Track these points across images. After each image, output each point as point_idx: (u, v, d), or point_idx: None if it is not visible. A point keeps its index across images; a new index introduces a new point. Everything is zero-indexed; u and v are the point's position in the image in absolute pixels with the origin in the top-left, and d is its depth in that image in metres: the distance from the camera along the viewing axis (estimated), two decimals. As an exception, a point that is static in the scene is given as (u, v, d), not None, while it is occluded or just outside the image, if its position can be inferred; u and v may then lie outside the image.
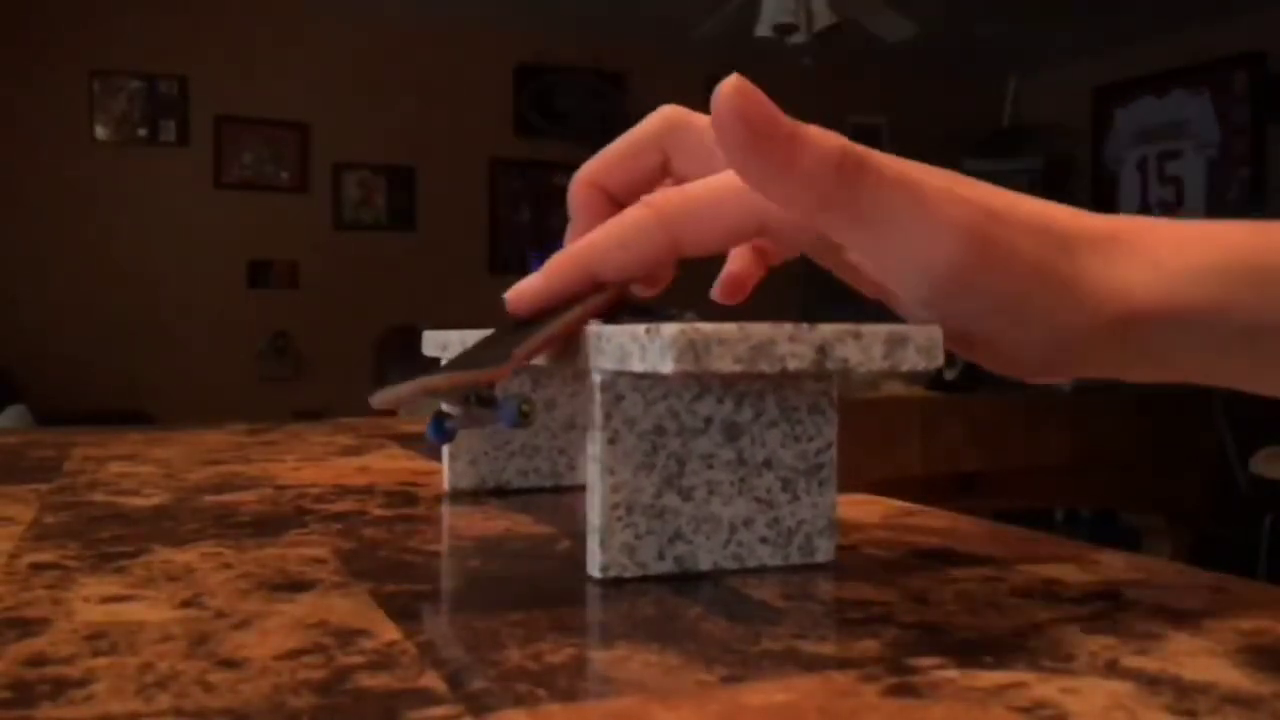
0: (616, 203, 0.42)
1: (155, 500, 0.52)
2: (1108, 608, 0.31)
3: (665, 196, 0.37)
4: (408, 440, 0.82)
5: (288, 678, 0.25)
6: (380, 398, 0.33)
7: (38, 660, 0.26)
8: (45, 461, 0.69)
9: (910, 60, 5.41)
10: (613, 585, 0.34)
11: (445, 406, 0.35)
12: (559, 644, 0.27)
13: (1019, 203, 0.35)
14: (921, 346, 0.33)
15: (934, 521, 0.46)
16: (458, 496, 0.52)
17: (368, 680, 0.24)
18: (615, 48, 5.42)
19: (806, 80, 5.35)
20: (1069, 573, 0.36)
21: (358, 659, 0.26)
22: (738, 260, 0.44)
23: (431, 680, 0.24)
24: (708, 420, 0.36)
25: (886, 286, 0.37)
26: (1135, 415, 3.00)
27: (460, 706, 0.23)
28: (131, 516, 0.47)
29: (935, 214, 0.33)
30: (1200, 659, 0.26)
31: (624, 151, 0.42)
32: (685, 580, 0.35)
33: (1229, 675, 0.25)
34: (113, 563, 0.37)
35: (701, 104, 0.36)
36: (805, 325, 0.32)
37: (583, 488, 0.53)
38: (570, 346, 0.36)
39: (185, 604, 0.32)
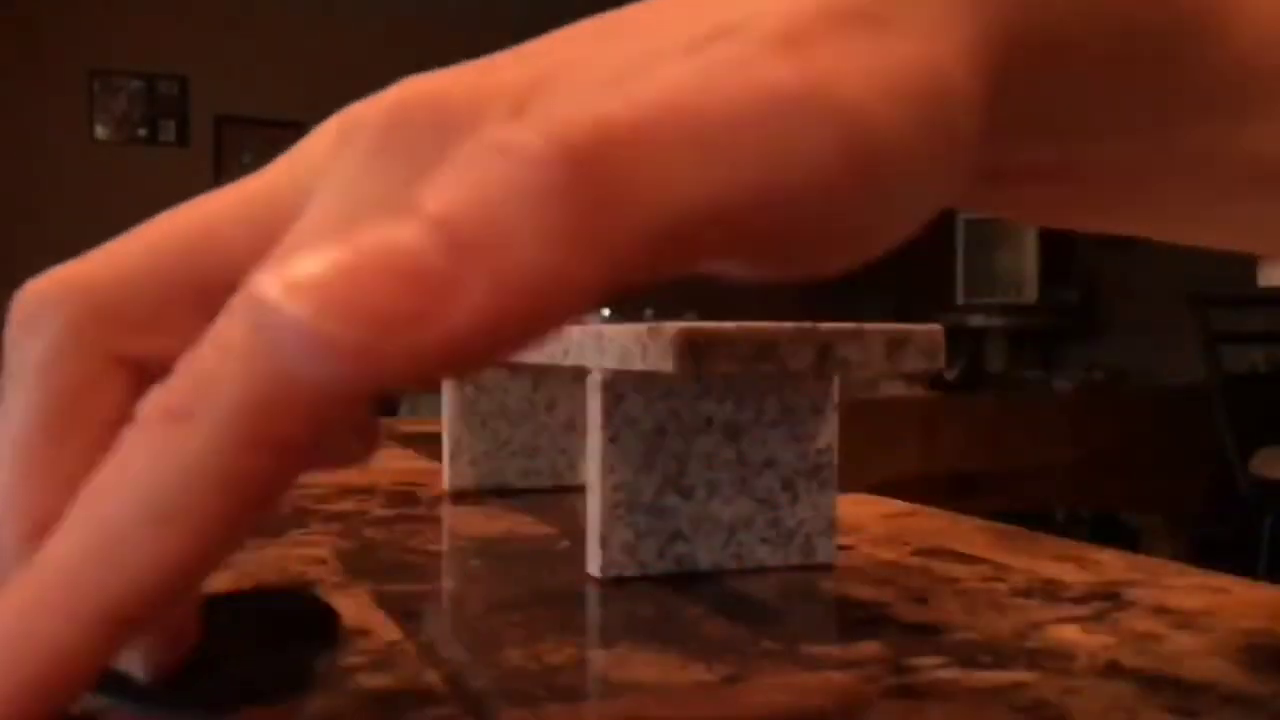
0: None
1: (155, 500, 0.52)
2: (1108, 608, 0.31)
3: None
4: (408, 440, 0.82)
5: (288, 678, 0.25)
6: None
7: (38, 660, 0.26)
8: (45, 461, 0.68)
9: (910, 60, 5.40)
10: (613, 585, 0.34)
11: None
12: (559, 644, 0.27)
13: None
14: (922, 346, 0.33)
15: (934, 521, 0.46)
16: (458, 496, 0.52)
17: (368, 680, 0.24)
18: (615, 48, 5.41)
19: (806, 80, 5.33)
20: (1069, 573, 0.36)
21: (358, 659, 0.26)
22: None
23: (431, 680, 0.24)
24: (708, 420, 0.35)
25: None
26: (1135, 415, 3.00)
27: (460, 706, 0.23)
28: (131, 516, 0.47)
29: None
30: (1200, 659, 0.26)
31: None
32: (685, 580, 0.35)
33: (1229, 675, 0.25)
34: (113, 563, 0.37)
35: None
36: (806, 325, 0.32)
37: (583, 488, 0.53)
38: None
39: (185, 604, 0.31)
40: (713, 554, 0.36)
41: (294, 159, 0.21)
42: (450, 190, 0.14)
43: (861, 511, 0.49)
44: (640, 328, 0.32)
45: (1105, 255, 5.65)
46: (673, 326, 0.30)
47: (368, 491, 0.55)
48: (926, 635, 0.28)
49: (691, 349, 0.30)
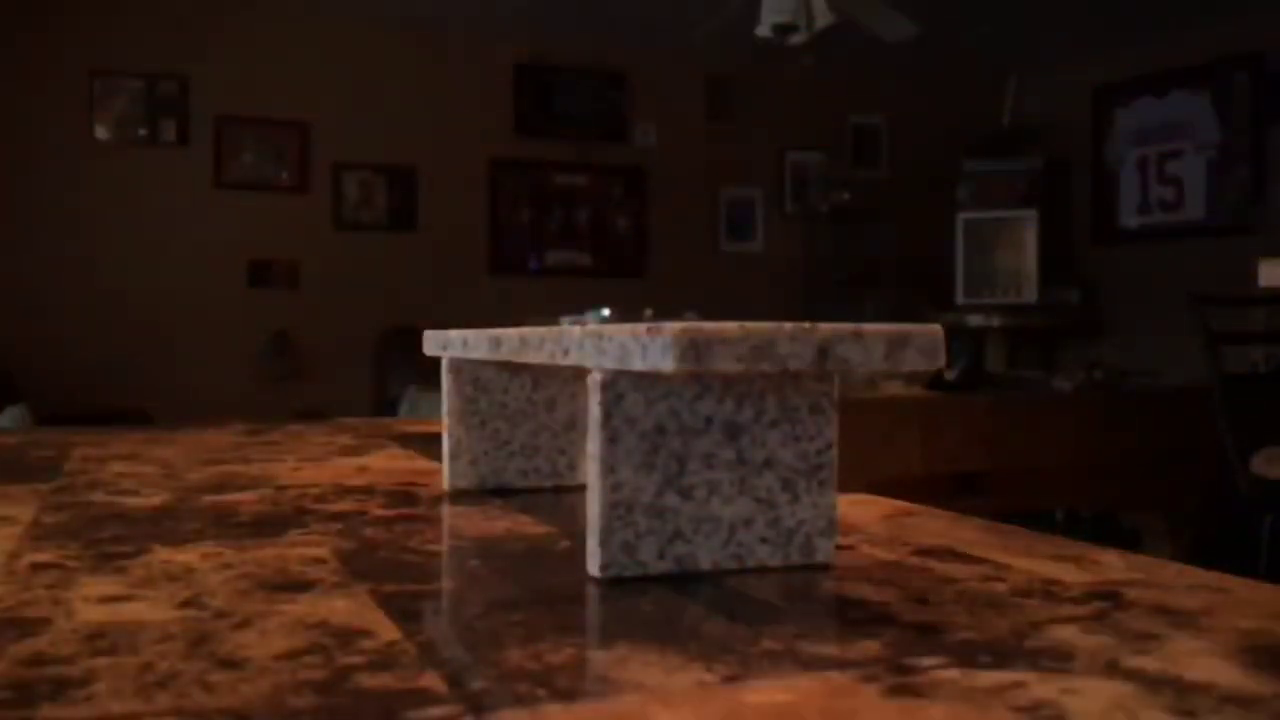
0: None
1: (155, 500, 0.52)
2: (1108, 608, 0.31)
3: None
4: (408, 440, 0.82)
5: (288, 678, 0.25)
6: None
7: (38, 660, 0.26)
8: (45, 461, 0.68)
9: (910, 60, 5.41)
10: (613, 585, 0.34)
11: None
12: (559, 644, 0.27)
13: None
14: (922, 346, 0.33)
15: (934, 522, 0.46)
16: (458, 496, 0.52)
17: (368, 680, 0.24)
18: (615, 48, 5.42)
19: (806, 80, 5.35)
20: (1069, 573, 0.36)
21: (358, 659, 0.26)
22: None
23: (431, 680, 0.24)
24: (708, 420, 0.35)
25: None
26: (1135, 415, 3.00)
27: (460, 706, 0.23)
28: (131, 516, 0.47)
29: None
30: (1200, 659, 0.26)
31: None
32: (685, 580, 0.35)
33: (1229, 675, 0.25)
34: (113, 563, 0.37)
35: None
36: (806, 325, 0.32)
37: (583, 488, 0.53)
38: None
39: (185, 604, 0.31)
40: (713, 554, 0.36)
41: None
42: None
43: (861, 511, 0.49)
44: (640, 328, 0.32)
45: (1105, 255, 5.65)
46: (673, 326, 0.30)
47: (368, 491, 0.55)
48: (926, 635, 0.28)
49: (691, 349, 0.30)
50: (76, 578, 0.35)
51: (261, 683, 0.24)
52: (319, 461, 0.68)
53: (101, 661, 0.26)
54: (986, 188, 5.51)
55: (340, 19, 5.08)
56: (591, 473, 0.35)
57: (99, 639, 0.28)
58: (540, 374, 0.51)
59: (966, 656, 0.26)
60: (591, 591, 0.34)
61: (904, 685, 0.24)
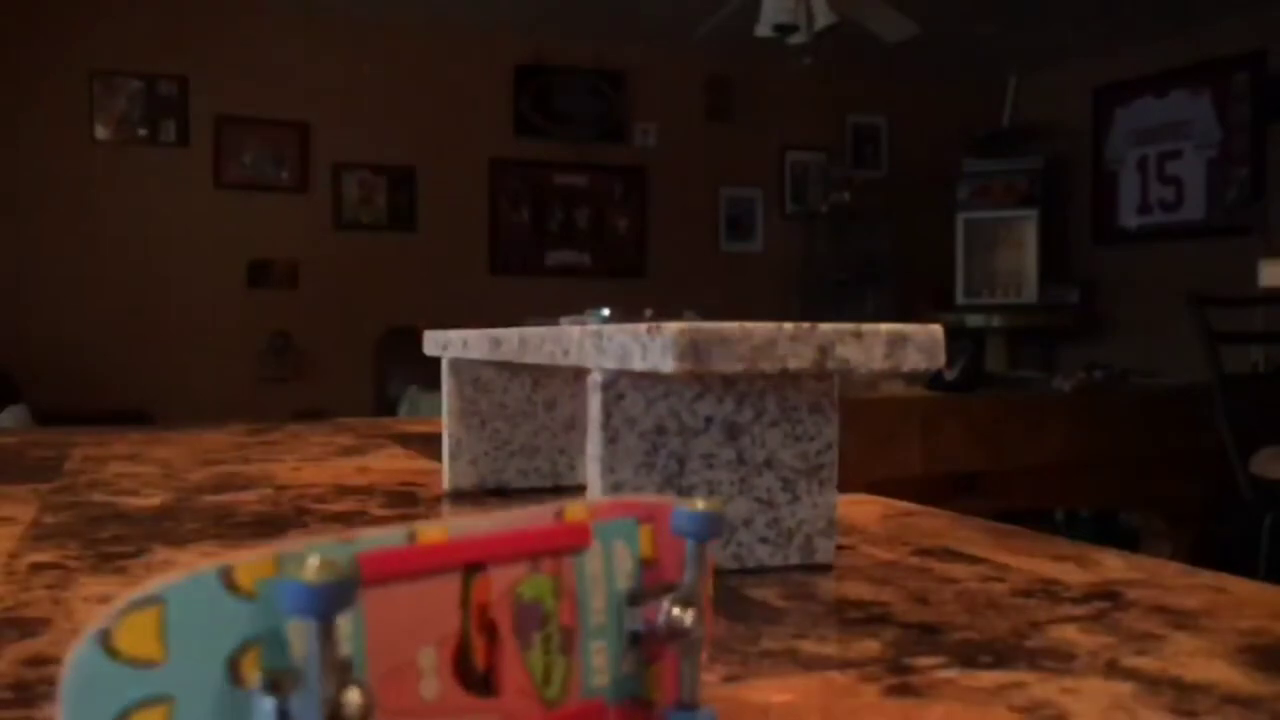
0: None
1: (155, 500, 0.52)
2: (1108, 608, 0.31)
3: None
4: (408, 440, 0.82)
5: (288, 677, 0.25)
6: None
7: (38, 660, 0.26)
8: (45, 461, 0.68)
9: (910, 60, 5.41)
10: (613, 585, 0.34)
11: None
12: (559, 644, 0.27)
13: None
14: (922, 346, 0.33)
15: (934, 522, 0.46)
16: (458, 496, 0.52)
17: (368, 680, 0.24)
18: (615, 48, 5.42)
19: (806, 81, 5.35)
20: (1069, 573, 0.36)
21: (358, 659, 0.26)
22: None
23: (432, 680, 0.24)
24: (708, 420, 0.35)
25: None
26: (1135, 415, 3.00)
27: (460, 706, 0.23)
28: (131, 516, 0.47)
29: None
30: (1200, 659, 0.26)
31: None
32: (685, 580, 0.35)
33: (1229, 675, 0.25)
34: (113, 563, 0.37)
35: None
36: (806, 325, 0.32)
37: (583, 488, 0.53)
38: None
39: (185, 604, 0.31)
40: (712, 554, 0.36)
41: None
42: None
43: (861, 511, 0.49)
44: (640, 328, 0.32)
45: (1105, 255, 5.65)
46: (673, 326, 0.30)
47: (368, 491, 0.55)
48: (926, 635, 0.28)
49: (692, 349, 0.30)
50: (76, 578, 0.35)
51: (261, 683, 0.24)
52: (319, 461, 0.68)
53: (101, 661, 0.26)
54: (986, 188, 5.52)
55: (340, 19, 5.08)
56: (591, 473, 0.35)
57: (99, 639, 0.28)
58: (540, 374, 0.51)
59: (966, 656, 0.26)
60: (591, 591, 0.34)
61: (904, 685, 0.24)
